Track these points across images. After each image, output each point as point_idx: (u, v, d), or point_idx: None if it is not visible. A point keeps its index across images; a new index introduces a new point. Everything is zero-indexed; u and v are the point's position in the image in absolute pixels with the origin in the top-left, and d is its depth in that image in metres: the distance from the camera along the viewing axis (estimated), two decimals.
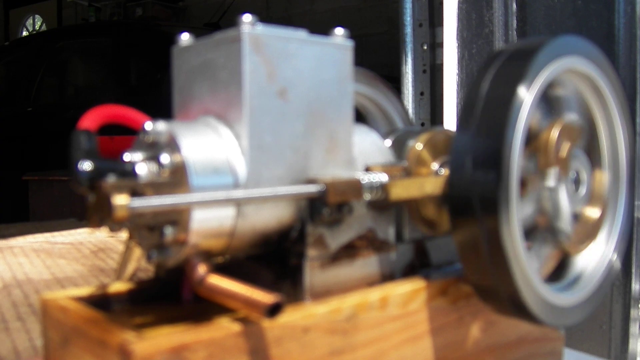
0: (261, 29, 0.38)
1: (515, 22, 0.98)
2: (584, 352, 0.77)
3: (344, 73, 0.42)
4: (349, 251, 0.42)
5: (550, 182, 0.43)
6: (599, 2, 0.87)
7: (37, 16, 5.78)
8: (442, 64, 1.11)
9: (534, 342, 0.51)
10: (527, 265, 0.40)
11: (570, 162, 0.44)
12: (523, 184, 0.41)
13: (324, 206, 0.39)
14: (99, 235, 1.16)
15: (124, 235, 0.41)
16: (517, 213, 0.39)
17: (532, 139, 0.42)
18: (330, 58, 0.41)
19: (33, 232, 1.20)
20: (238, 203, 0.37)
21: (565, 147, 0.43)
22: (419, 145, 0.46)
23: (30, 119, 2.97)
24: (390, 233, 0.45)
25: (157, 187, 0.36)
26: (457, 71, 1.08)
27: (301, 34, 0.40)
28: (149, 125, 0.37)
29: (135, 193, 0.35)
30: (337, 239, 0.41)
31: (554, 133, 0.43)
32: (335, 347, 0.38)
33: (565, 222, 0.44)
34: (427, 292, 0.43)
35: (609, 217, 0.49)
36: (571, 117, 0.45)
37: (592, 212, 0.48)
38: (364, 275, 0.43)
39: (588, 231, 0.47)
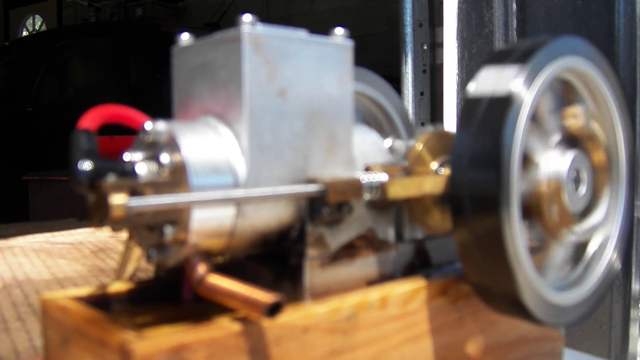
0: (261, 29, 0.38)
1: (515, 22, 0.98)
2: (584, 352, 0.77)
3: (344, 73, 0.42)
4: (348, 251, 0.42)
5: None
6: (599, 2, 0.87)
7: (37, 16, 5.78)
8: (442, 64, 1.11)
9: (534, 342, 0.51)
10: (528, 265, 0.40)
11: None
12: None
13: (323, 206, 0.39)
14: (99, 235, 1.16)
15: (124, 235, 0.41)
16: (518, 212, 0.39)
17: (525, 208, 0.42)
18: (331, 58, 0.41)
19: (33, 232, 1.20)
20: (238, 203, 0.37)
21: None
22: (418, 145, 0.46)
23: (30, 119, 2.97)
24: (390, 233, 0.45)
25: (157, 186, 0.36)
26: (457, 71, 1.08)
27: (301, 34, 0.40)
28: (148, 125, 0.37)
29: (135, 193, 0.35)
30: (337, 238, 0.41)
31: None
32: (335, 346, 0.38)
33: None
34: (427, 292, 0.43)
35: (609, 217, 0.49)
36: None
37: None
38: (363, 275, 0.43)
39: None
